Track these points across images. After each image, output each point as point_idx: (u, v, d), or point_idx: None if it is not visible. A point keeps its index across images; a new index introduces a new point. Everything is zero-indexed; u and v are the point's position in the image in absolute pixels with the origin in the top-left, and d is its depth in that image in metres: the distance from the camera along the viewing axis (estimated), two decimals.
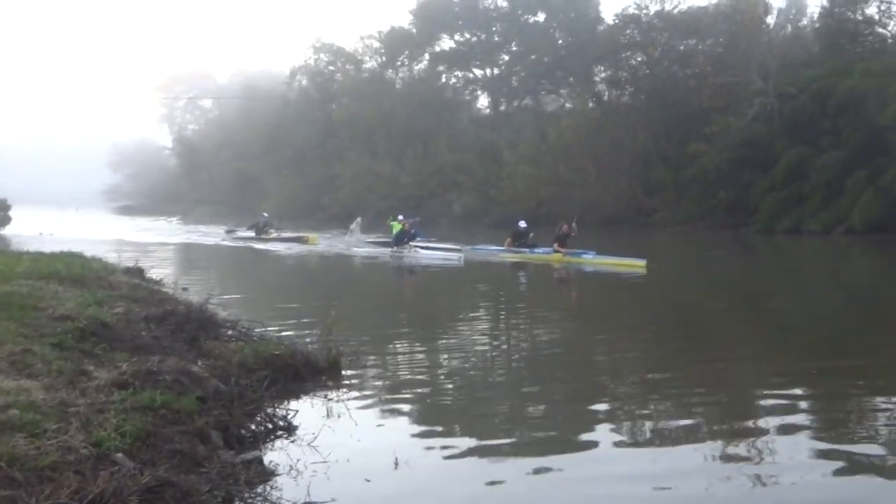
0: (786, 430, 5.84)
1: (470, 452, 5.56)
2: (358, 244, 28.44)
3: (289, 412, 6.05)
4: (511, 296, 16.30)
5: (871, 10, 38.79)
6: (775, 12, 44.64)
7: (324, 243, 30.01)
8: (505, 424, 6.40)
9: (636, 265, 18.81)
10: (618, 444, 5.66)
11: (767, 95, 37.11)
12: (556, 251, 21.29)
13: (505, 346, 10.00)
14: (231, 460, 4.63)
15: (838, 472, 5.04)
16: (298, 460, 5.07)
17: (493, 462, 5.40)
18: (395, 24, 61.28)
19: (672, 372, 8.06)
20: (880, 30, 38.96)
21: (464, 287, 17.85)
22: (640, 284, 17.37)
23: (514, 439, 5.93)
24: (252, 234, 31.86)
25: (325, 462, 5.09)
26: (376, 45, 61.69)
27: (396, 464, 5.11)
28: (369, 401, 6.83)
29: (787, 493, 4.70)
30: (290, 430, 5.73)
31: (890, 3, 38.05)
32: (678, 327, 11.85)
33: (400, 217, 27.97)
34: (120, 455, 3.94)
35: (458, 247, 23.61)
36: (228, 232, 34.80)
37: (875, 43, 38.52)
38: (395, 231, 26.82)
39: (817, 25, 41.65)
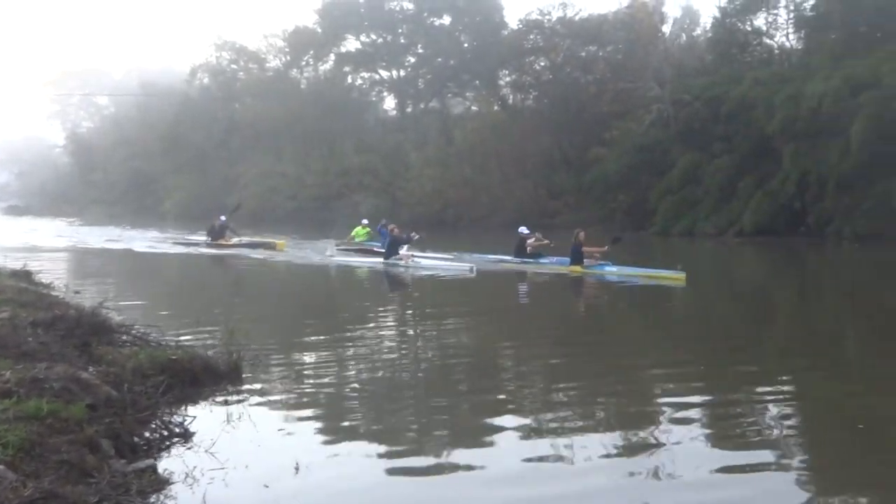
0: (684, 432, 5.97)
1: (373, 456, 5.53)
2: (333, 252, 24.07)
3: (186, 418, 5.91)
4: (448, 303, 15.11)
5: (760, 22, 40.43)
6: (670, 21, 46.26)
7: (299, 251, 26.06)
8: (409, 429, 6.36)
9: (674, 278, 16.07)
10: (521, 448, 5.66)
11: (664, 102, 38.00)
12: (574, 264, 18.24)
13: (414, 353, 9.89)
14: (123, 469, 4.50)
15: (732, 470, 5.20)
16: (195, 467, 4.96)
17: (397, 466, 5.38)
18: (299, 24, 60.46)
19: (575, 377, 8.17)
20: (768, 40, 40.55)
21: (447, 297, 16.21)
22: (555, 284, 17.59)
23: (418, 444, 5.90)
24: (207, 239, 27.44)
25: (222, 468, 5.00)
26: (280, 43, 60.75)
27: (297, 468, 5.07)
28: (271, 405, 6.73)
29: (687, 492, 4.80)
30: (186, 436, 5.61)
31: (777, 14, 39.77)
32: (581, 332, 12.07)
33: (364, 221, 26.67)
34: (1, 467, 3.77)
35: (451, 255, 21.67)
36: (178, 242, 29.91)
37: (763, 53, 40.13)
38: (358, 237, 25.42)
39: (710, 35, 42.88)
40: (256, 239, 27.59)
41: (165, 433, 5.58)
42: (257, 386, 7.28)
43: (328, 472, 5.19)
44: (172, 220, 52.06)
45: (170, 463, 5.10)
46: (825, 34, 35.12)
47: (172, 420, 5.78)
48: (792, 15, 39.03)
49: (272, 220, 48.05)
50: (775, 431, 6.07)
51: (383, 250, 21.60)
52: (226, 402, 6.68)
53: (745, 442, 5.80)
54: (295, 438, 5.90)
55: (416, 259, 20.17)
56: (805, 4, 37.67)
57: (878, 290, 16.76)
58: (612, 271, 17.72)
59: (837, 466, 5.44)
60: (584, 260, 18.04)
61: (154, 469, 4.81)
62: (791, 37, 39.47)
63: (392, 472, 5.27)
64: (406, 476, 5.20)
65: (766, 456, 5.43)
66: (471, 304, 14.66)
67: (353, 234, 26.21)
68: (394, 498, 4.87)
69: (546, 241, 20.14)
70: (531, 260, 19.86)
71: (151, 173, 64.54)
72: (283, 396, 7.09)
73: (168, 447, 5.43)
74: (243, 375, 7.36)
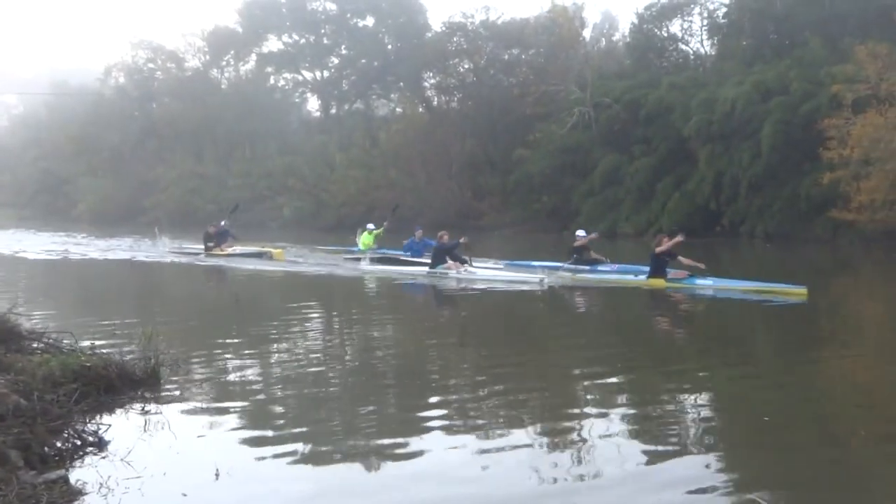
0: (606, 427, 6.07)
1: (297, 460, 5.45)
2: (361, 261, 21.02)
3: (100, 427, 5.73)
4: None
5: (675, 28, 41.60)
6: (590, 26, 47.11)
7: (313, 260, 22.74)
8: (334, 432, 6.27)
9: (794, 293, 13.45)
10: (448, 449, 5.64)
11: (585, 105, 38.55)
12: (654, 276, 15.36)
13: (341, 355, 9.76)
14: (32, 481, 4.36)
15: (653, 463, 5.31)
16: (110, 477, 4.83)
17: (321, 469, 5.32)
18: (219, 23, 59.60)
19: (504, 378, 8.12)
20: (683, 46, 41.78)
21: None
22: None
23: (344, 446, 5.82)
24: (210, 245, 23.80)
25: (139, 477, 4.87)
26: (200, 43, 59.41)
27: (217, 475, 4.96)
28: (191, 411, 6.56)
29: (610, 487, 4.87)
30: (101, 445, 5.44)
31: (691, 21, 40.90)
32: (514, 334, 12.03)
33: (370, 226, 23.56)
34: None
35: (500, 263, 19.04)
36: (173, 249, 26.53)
37: (679, 58, 41.27)
38: (365, 244, 22.47)
39: (628, 40, 43.91)
40: (250, 248, 23.87)
41: (78, 442, 5.40)
42: (176, 392, 7.09)
43: (250, 477, 5.08)
44: (87, 224, 50.51)
45: (83, 473, 4.94)
46: (737, 41, 36.33)
47: (86, 429, 5.59)
48: (706, 22, 40.40)
49: (193, 223, 47.27)
50: (692, 428, 6.23)
51: (414, 259, 19.67)
52: (143, 409, 6.51)
53: (664, 438, 5.89)
54: (216, 444, 5.75)
55: (469, 269, 17.13)
56: (718, 12, 39.01)
57: None
58: (707, 284, 14.75)
59: (745, 457, 5.62)
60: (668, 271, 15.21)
61: (66, 480, 4.66)
62: (705, 43, 40.98)
63: (316, 475, 5.19)
64: (331, 479, 5.12)
65: (685, 450, 5.61)
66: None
67: (361, 242, 23.01)
68: (321, 500, 4.81)
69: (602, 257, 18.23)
70: (587, 267, 17.50)
71: (63, 175, 62.61)
72: (204, 402, 6.91)
73: (81, 457, 5.25)
74: (162, 381, 7.17)
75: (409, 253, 20.78)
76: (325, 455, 5.57)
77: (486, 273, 17.29)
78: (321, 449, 5.70)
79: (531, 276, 16.28)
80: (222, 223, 24.87)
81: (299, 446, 5.72)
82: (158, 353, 7.35)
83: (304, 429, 6.21)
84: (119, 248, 28.42)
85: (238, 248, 23.49)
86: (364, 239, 22.90)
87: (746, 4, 35.31)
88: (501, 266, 18.60)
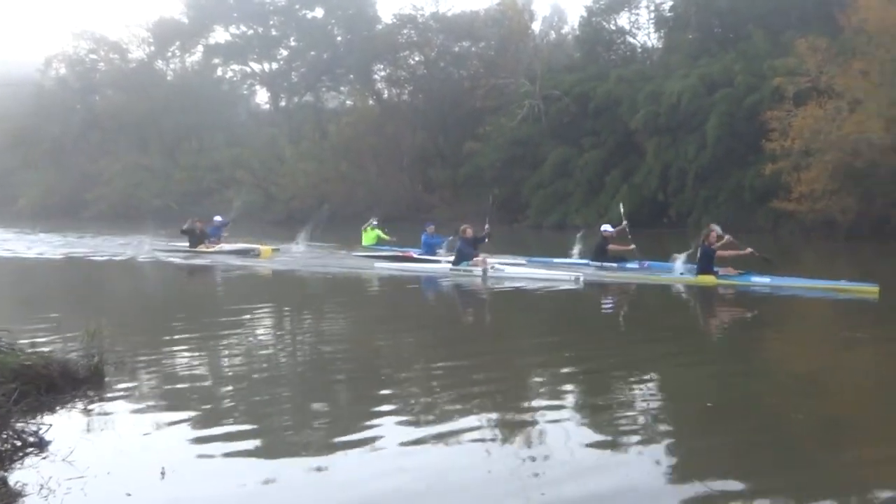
0: (558, 419, 6.08)
1: (245, 455, 5.35)
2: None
3: (41, 427, 5.57)
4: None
5: (623, 21, 42.06)
6: (540, 19, 47.37)
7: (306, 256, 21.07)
8: (284, 427, 6.16)
9: (866, 291, 12.60)
10: (401, 443, 5.59)
11: (535, 97, 38.78)
12: (704, 272, 14.08)
13: (291, 350, 9.60)
14: None
15: (601, 454, 5.36)
16: (51, 478, 4.72)
17: (269, 464, 5.21)
18: (164, 14, 58.33)
19: (456, 370, 8.07)
20: (631, 39, 42.34)
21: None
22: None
23: (293, 441, 5.75)
24: (186, 244, 22.47)
25: (81, 477, 4.76)
26: (144, 34, 57.82)
27: (163, 473, 4.88)
28: (136, 409, 6.40)
29: (560, 477, 4.88)
30: (41, 446, 5.31)
31: (639, 14, 41.37)
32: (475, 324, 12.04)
33: (373, 221, 22.53)
34: None
35: (524, 260, 17.73)
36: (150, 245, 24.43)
37: (627, 51, 41.77)
38: (368, 239, 21.54)
39: (577, 33, 44.20)
40: (239, 245, 22.36)
41: (18, 443, 5.27)
42: (121, 390, 6.91)
43: (197, 474, 5.00)
44: (28, 218, 49.21)
45: (23, 475, 4.83)
46: (683, 34, 36.88)
47: (26, 429, 5.44)
48: (652, 15, 40.96)
49: (136, 217, 46.31)
50: (641, 416, 6.28)
51: (425, 256, 18.45)
52: (86, 409, 6.36)
53: (615, 425, 5.97)
54: (161, 442, 5.62)
55: (497, 267, 15.75)
56: (664, 5, 39.64)
57: None
58: (764, 282, 13.62)
59: (689, 441, 5.74)
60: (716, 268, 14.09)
61: (4, 482, 4.57)
62: (652, 36, 41.57)
63: (265, 472, 5.08)
64: (279, 476, 5.02)
65: (633, 437, 5.69)
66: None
67: (365, 239, 22.06)
68: (265, 499, 4.72)
69: (631, 247, 16.95)
70: (614, 264, 16.46)
71: (1, 168, 60.85)
72: (150, 400, 6.76)
73: (21, 458, 5.12)
74: (106, 380, 6.99)
75: (422, 249, 19.42)
76: (274, 451, 5.47)
77: (517, 271, 15.83)
78: (270, 445, 5.60)
79: (566, 275, 15.08)
80: (217, 218, 24.00)
81: (247, 443, 5.63)
82: (102, 351, 7.15)
83: (252, 425, 6.08)
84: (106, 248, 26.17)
85: (226, 246, 22.27)
86: (367, 235, 21.88)
87: None
88: (524, 262, 17.28)
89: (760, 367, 8.37)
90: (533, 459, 5.18)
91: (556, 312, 12.82)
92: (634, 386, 7.38)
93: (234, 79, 59.82)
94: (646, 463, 5.11)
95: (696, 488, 4.64)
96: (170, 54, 58.47)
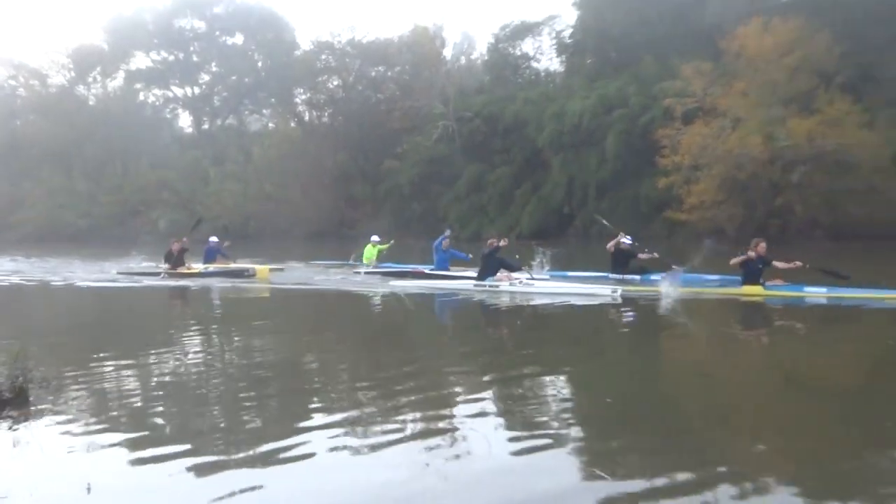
0: (479, 421, 6.04)
1: (174, 470, 5.02)
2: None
3: None
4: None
5: (528, 47, 43.14)
6: (451, 45, 47.69)
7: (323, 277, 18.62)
8: (215, 442, 5.75)
9: None
10: (332, 451, 5.38)
11: (448, 118, 39.45)
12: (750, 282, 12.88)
13: (222, 365, 9.12)
14: None
15: (522, 454, 5.28)
16: None
17: (199, 478, 4.90)
18: (84, 41, 56.69)
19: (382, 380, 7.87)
20: (535, 64, 43.42)
21: None
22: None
23: (223, 456, 5.35)
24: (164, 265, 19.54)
25: (4, 498, 4.47)
26: (64, 60, 56.55)
27: (89, 489, 4.60)
28: (61, 428, 5.96)
29: (483, 475, 4.88)
30: None
31: (541, 41, 42.58)
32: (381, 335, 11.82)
33: (374, 238, 20.67)
34: None
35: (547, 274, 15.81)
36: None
37: (531, 75, 42.80)
38: (368, 257, 19.59)
39: (486, 58, 45.15)
40: (232, 265, 20.09)
41: None
42: (46, 410, 6.43)
43: (124, 488, 4.70)
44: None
45: None
46: (582, 59, 38.09)
47: None
48: (554, 42, 42.11)
49: (62, 239, 44.83)
50: (551, 414, 6.32)
51: (438, 271, 16.80)
52: (10, 429, 5.91)
53: (528, 423, 5.98)
54: (88, 458, 5.21)
55: (526, 282, 14.23)
56: (564, 33, 40.80)
57: None
58: (820, 293, 12.26)
59: (594, 436, 5.83)
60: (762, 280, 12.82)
61: None
62: (554, 61, 42.63)
63: (196, 481, 4.84)
64: (209, 489, 4.71)
65: (544, 434, 5.70)
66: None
67: (365, 256, 20.05)
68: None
69: (655, 255, 15.42)
70: (637, 277, 14.92)
71: None
72: (76, 417, 6.28)
73: None
74: (31, 399, 6.52)
75: (435, 265, 17.65)
76: (202, 467, 5.11)
77: (549, 286, 14.15)
78: (200, 459, 5.23)
79: (601, 289, 13.46)
80: (213, 239, 21.56)
81: (175, 459, 5.28)
82: (27, 371, 6.69)
83: (180, 442, 5.67)
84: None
85: (211, 267, 19.76)
86: (367, 252, 20.02)
87: (588, 26, 37.08)
88: (547, 277, 15.50)
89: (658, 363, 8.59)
90: (459, 467, 5.07)
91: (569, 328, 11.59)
92: (546, 383, 7.47)
93: (157, 103, 58.99)
94: (566, 462, 5.16)
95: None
96: (91, 80, 57.31)
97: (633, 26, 34.98)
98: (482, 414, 6.32)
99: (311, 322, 13.16)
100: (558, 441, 5.55)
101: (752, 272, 12.81)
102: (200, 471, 5.08)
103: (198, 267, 19.64)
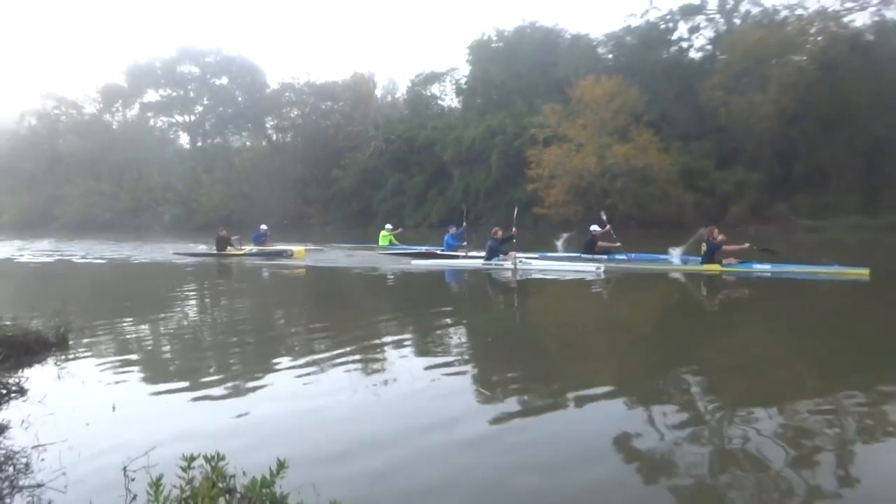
0: (400, 358, 5.95)
1: (180, 397, 4.96)
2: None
3: (21, 378, 5.11)
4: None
5: (435, 90, 42.58)
6: (380, 87, 46.83)
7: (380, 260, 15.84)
8: (212, 376, 5.61)
9: (856, 273, 10.32)
10: (295, 381, 5.25)
11: (378, 140, 38.59)
12: (711, 261, 11.47)
13: (217, 322, 8.68)
14: None
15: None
16: (29, 415, 4.37)
17: (199, 402, 4.83)
18: (109, 80, 53.76)
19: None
20: (440, 102, 42.92)
21: None
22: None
23: (216, 388, 5.24)
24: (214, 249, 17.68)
25: (52, 414, 4.44)
26: (94, 94, 53.51)
27: (114, 408, 4.57)
28: (94, 364, 5.90)
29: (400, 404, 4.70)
30: (22, 392, 4.89)
31: (445, 85, 42.05)
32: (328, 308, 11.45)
33: (388, 227, 18.64)
34: None
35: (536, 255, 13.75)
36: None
37: (438, 110, 42.29)
38: (384, 241, 17.78)
39: (406, 97, 44.37)
40: (273, 247, 17.83)
41: (3, 391, 4.86)
42: (82, 351, 6.38)
43: (139, 408, 4.71)
44: (10, 230, 44.41)
45: (7, 413, 4.45)
46: (473, 99, 37.93)
47: (10, 381, 5.01)
48: (454, 86, 41.66)
49: (93, 228, 42.72)
50: (451, 353, 6.14)
51: (448, 252, 14.99)
52: (56, 365, 5.86)
53: (434, 359, 5.80)
54: (113, 387, 5.22)
55: (525, 260, 12.74)
56: (461, 81, 40.38)
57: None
58: (765, 269, 10.95)
59: (480, 366, 5.75)
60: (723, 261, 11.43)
61: None
62: (455, 100, 42.14)
63: (196, 404, 4.79)
64: (203, 403, 4.79)
65: (445, 366, 5.57)
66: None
67: (381, 241, 18.09)
68: (190, 418, 4.47)
69: (617, 244, 13.52)
70: (604, 256, 13.18)
71: None
72: (105, 357, 6.23)
73: (7, 402, 4.72)
74: (70, 343, 6.45)
75: (445, 248, 15.84)
76: (203, 394, 5.03)
77: (543, 264, 12.68)
78: (199, 392, 5.11)
79: (587, 267, 12.11)
80: (262, 227, 18.96)
81: (181, 383, 5.30)
82: (67, 323, 6.64)
83: (186, 377, 5.59)
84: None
85: (254, 248, 17.66)
86: (382, 238, 18.02)
87: (478, 76, 36.95)
88: (536, 256, 13.61)
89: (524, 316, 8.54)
90: (384, 386, 5.03)
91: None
92: (449, 326, 7.33)
93: (163, 127, 55.43)
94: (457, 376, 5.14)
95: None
96: (114, 109, 54.12)
97: (509, 77, 35.00)
98: (403, 354, 6.23)
99: (302, 292, 11.92)
100: (456, 371, 5.52)
101: (712, 256, 11.45)
102: (198, 397, 4.94)
103: (246, 248, 17.60)
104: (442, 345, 6.57)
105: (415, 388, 5.01)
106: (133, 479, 3.02)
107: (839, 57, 25.56)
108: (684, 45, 30.94)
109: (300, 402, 4.74)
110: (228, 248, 17.47)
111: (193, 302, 10.56)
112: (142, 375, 5.67)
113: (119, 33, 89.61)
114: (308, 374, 5.48)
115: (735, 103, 26.28)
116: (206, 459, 2.19)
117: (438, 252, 15.44)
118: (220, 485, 2.01)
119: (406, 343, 6.83)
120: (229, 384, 5.28)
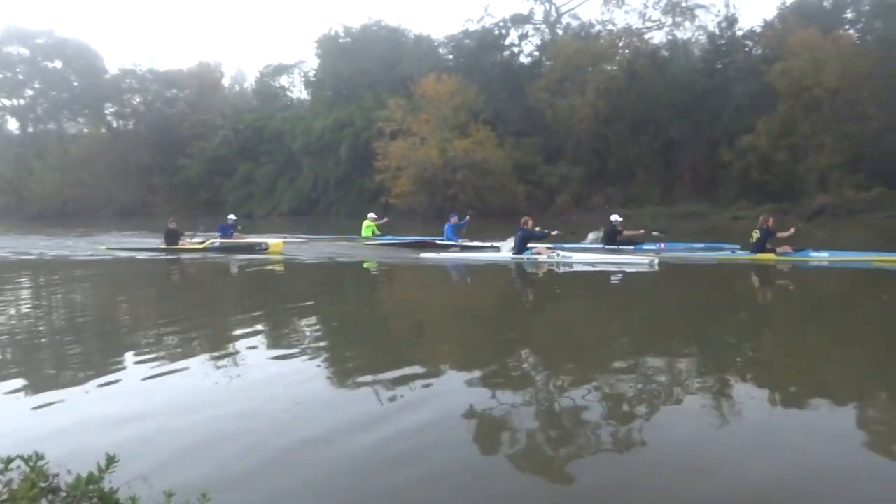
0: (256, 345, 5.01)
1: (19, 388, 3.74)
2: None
3: None
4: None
5: (284, 81, 37.04)
6: (228, 76, 40.89)
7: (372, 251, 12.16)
8: (49, 369, 4.30)
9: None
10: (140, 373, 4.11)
11: (226, 129, 32.92)
12: (763, 251, 9.28)
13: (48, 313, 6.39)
14: None
15: None
16: None
17: (37, 400, 3.58)
18: None
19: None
20: (289, 93, 37.43)
21: None
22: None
23: (57, 378, 4.03)
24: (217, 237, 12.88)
25: None
26: None
27: None
28: None
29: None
30: None
31: (293, 77, 36.90)
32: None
33: (371, 215, 14.69)
34: None
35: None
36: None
37: (287, 101, 36.50)
38: (366, 231, 13.90)
39: (255, 87, 38.49)
40: (245, 240, 12.83)
41: None
42: None
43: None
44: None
45: None
46: (323, 92, 33.41)
47: None
48: (303, 78, 36.73)
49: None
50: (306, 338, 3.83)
51: (448, 242, 11.88)
52: None
53: (289, 345, 4.42)
54: None
55: (561, 253, 9.74)
56: (310, 73, 35.52)
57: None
58: (822, 257, 8.94)
59: (333, 349, 4.91)
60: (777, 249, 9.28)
61: None
62: (304, 92, 37.09)
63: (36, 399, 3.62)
64: (43, 408, 3.47)
65: (300, 350, 4.73)
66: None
67: (364, 231, 14.23)
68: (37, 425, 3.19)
69: (641, 231, 11.18)
70: (631, 247, 10.62)
71: None
72: None
73: None
74: None
75: (445, 237, 12.46)
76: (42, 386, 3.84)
77: (584, 257, 9.76)
78: (39, 382, 3.92)
79: (641, 259, 9.23)
80: (231, 217, 13.85)
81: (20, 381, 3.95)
82: None
83: (23, 373, 4.18)
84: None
85: (217, 241, 12.59)
86: (365, 228, 14.25)
87: (327, 69, 32.60)
88: (575, 246, 10.84)
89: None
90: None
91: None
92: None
93: None
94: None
95: None
96: None
97: (356, 72, 31.25)
98: (259, 342, 5.08)
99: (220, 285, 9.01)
100: (309, 355, 4.60)
101: (763, 245, 9.33)
102: (38, 389, 3.84)
103: (206, 242, 12.56)
104: (293, 332, 5.51)
105: (268, 374, 4.16)
106: None
107: (641, 69, 25.49)
108: (515, 50, 29.44)
109: (177, 387, 3.91)
110: (181, 241, 12.66)
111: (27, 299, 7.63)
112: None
113: None
114: (155, 372, 4.24)
115: (559, 105, 25.25)
116: (24, 460, 1.78)
117: (438, 242, 12.29)
118: (42, 484, 1.71)
119: (255, 331, 5.68)
120: (73, 379, 4.12)
